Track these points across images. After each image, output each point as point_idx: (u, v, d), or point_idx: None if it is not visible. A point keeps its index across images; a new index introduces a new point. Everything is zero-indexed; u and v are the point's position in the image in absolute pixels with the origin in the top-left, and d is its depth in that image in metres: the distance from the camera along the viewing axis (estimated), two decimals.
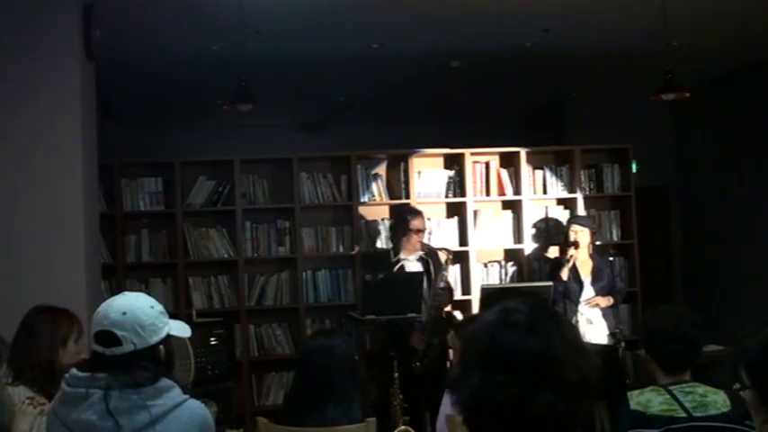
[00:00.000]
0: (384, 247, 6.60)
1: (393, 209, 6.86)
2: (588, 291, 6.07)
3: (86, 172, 4.80)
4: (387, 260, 6.07)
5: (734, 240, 8.53)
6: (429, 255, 6.03)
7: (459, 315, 6.80)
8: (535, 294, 5.77)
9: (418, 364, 5.65)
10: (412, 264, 5.99)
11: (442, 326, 5.75)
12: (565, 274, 6.01)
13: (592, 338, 6.01)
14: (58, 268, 4.61)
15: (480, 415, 1.41)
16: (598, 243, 6.47)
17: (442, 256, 6.01)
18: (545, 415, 1.37)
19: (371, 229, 6.85)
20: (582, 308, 6.03)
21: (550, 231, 6.94)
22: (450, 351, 6.28)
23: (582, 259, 6.14)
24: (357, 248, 6.71)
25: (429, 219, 6.83)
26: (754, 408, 1.76)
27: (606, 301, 6.03)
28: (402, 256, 6.00)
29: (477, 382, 1.40)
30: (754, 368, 1.72)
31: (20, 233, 4.61)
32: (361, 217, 6.82)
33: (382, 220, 6.88)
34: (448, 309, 6.28)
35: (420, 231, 6.02)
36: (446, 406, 3.50)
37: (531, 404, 1.37)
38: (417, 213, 6.13)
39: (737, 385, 1.83)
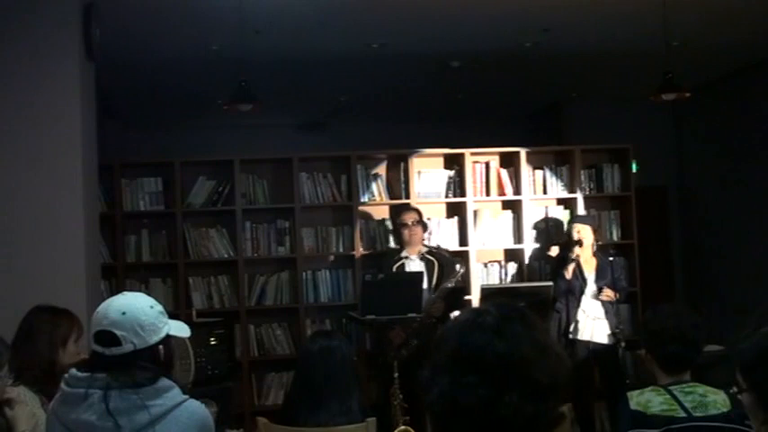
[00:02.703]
0: (391, 246, 6.59)
1: (392, 209, 6.87)
2: (591, 288, 6.08)
3: (86, 172, 4.80)
4: (390, 259, 6.08)
5: (734, 240, 8.53)
6: (435, 255, 5.99)
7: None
8: (535, 294, 5.77)
9: (388, 358, 5.56)
10: (414, 262, 5.96)
11: (426, 331, 5.66)
12: (569, 273, 6.02)
13: (593, 336, 6.02)
14: (58, 268, 4.60)
15: (449, 416, 1.42)
16: (599, 243, 6.47)
17: (458, 267, 5.87)
18: (513, 416, 1.38)
19: (371, 228, 6.85)
20: (584, 305, 6.04)
21: (551, 231, 6.95)
22: None
23: (585, 257, 6.15)
24: (360, 250, 6.70)
25: (429, 219, 6.84)
26: (752, 410, 1.76)
27: (612, 294, 6.03)
28: (404, 254, 6.00)
29: (447, 383, 1.41)
30: (750, 371, 1.72)
31: (20, 233, 4.60)
32: (364, 216, 6.82)
33: (383, 220, 6.88)
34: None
35: (410, 225, 5.98)
36: None
37: (498, 405, 1.38)
38: (409, 209, 6.16)
39: (734, 389, 1.83)
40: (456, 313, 6.50)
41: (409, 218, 6.02)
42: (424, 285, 5.78)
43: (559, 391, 1.42)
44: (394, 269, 5.94)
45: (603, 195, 7.15)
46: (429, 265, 5.91)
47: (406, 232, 5.99)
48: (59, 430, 2.25)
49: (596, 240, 6.26)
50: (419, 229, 6.04)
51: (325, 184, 6.81)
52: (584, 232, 6.12)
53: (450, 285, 5.79)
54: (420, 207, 6.73)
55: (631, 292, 6.74)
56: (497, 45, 6.90)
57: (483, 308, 1.49)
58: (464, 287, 6.24)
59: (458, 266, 5.88)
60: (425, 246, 6.07)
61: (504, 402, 1.37)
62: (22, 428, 2.85)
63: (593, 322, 6.03)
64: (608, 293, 6.01)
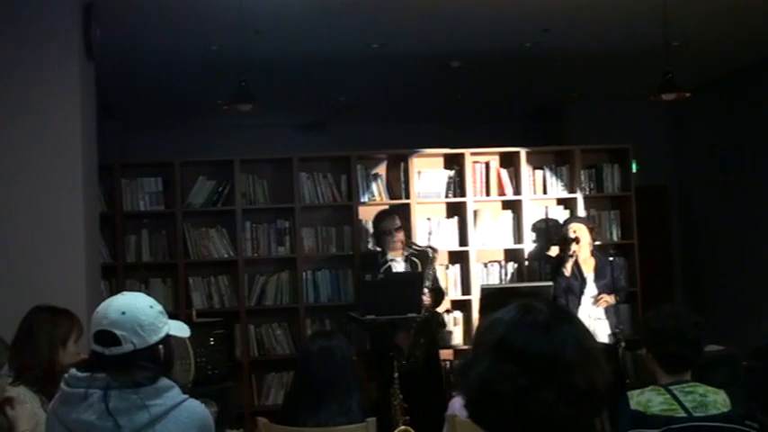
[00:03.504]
0: (370, 248, 6.60)
1: (394, 208, 6.89)
2: (591, 288, 6.08)
3: (86, 172, 4.80)
4: (376, 262, 6.08)
5: (734, 240, 8.53)
6: (418, 255, 6.01)
7: (457, 314, 6.82)
8: (535, 294, 5.77)
9: (404, 362, 5.59)
10: (399, 265, 5.99)
11: (428, 325, 5.71)
12: (567, 270, 6.02)
13: (595, 336, 6.01)
14: (58, 268, 4.60)
15: (482, 401, 1.42)
16: (598, 243, 6.48)
17: (430, 253, 6.02)
18: (544, 414, 1.37)
19: (371, 228, 6.84)
20: (584, 305, 6.04)
21: (551, 231, 6.95)
22: (441, 351, 6.29)
23: (584, 257, 6.15)
24: (361, 250, 6.71)
25: (429, 219, 6.84)
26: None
27: (612, 300, 6.03)
28: (389, 257, 6.01)
29: (486, 368, 1.42)
30: (751, 360, 1.77)
31: (20, 233, 4.60)
32: (364, 216, 6.82)
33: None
34: (441, 309, 6.30)
35: (391, 232, 6.00)
36: (452, 408, 3.49)
37: (532, 400, 1.37)
38: (387, 214, 6.16)
39: (745, 363, 1.88)
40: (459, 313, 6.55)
41: (392, 224, 6.03)
42: None
43: (596, 399, 1.41)
44: (381, 272, 5.94)
45: (603, 195, 7.15)
46: (413, 266, 5.95)
47: (389, 239, 6.01)
48: (59, 430, 2.25)
49: (593, 239, 6.27)
50: (401, 233, 6.07)
51: (325, 184, 6.80)
52: (580, 231, 6.13)
53: (430, 272, 5.87)
54: (419, 207, 6.75)
55: (631, 292, 6.74)
56: (497, 45, 6.90)
57: (534, 304, 1.48)
58: (442, 288, 6.27)
59: (430, 252, 5.97)
60: (409, 247, 6.09)
61: (539, 399, 1.37)
62: (23, 428, 2.85)
63: (593, 322, 6.03)
64: (606, 299, 6.00)
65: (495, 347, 1.43)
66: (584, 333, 1.47)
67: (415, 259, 5.98)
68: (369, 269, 6.02)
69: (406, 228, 6.24)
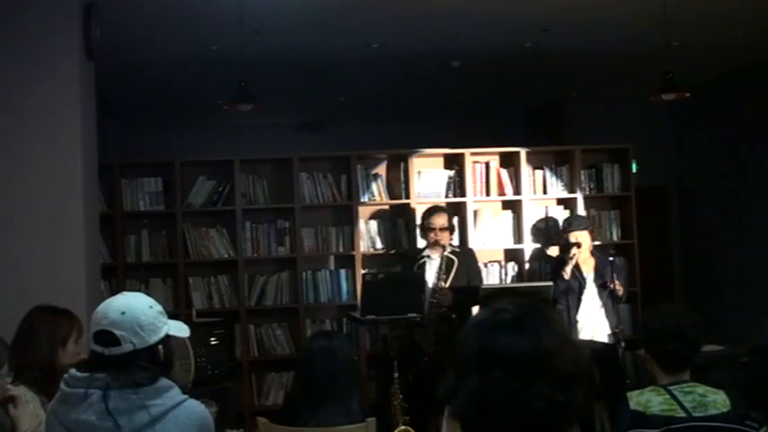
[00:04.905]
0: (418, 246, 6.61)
1: (394, 208, 6.90)
2: (590, 288, 6.07)
3: (86, 172, 4.80)
4: (413, 257, 6.12)
5: (734, 240, 8.53)
6: (457, 254, 5.98)
7: None
8: (535, 294, 5.76)
9: (426, 359, 5.62)
10: (434, 261, 5.98)
11: (444, 323, 5.74)
12: (567, 273, 6.01)
13: (593, 336, 6.02)
14: (58, 268, 4.60)
15: (481, 415, 1.42)
16: (598, 243, 6.47)
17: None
18: (544, 407, 1.39)
19: (371, 229, 6.85)
20: (584, 305, 6.04)
21: (551, 231, 6.94)
22: None
23: (583, 257, 6.14)
24: (361, 250, 6.71)
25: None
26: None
27: (620, 285, 5.99)
28: (426, 253, 6.01)
29: (475, 383, 1.42)
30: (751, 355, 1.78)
31: (20, 233, 4.60)
32: (364, 216, 6.82)
33: (383, 220, 6.88)
34: None
35: (436, 230, 5.97)
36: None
37: (529, 398, 1.39)
38: (440, 211, 6.12)
39: (745, 359, 1.90)
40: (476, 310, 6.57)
41: (438, 222, 6.01)
42: (431, 282, 5.86)
43: (583, 378, 1.45)
44: (415, 268, 5.96)
45: (603, 195, 7.15)
46: (449, 262, 5.92)
47: (431, 235, 5.99)
48: (59, 430, 2.25)
49: (593, 240, 6.26)
50: (446, 234, 6.03)
51: (325, 184, 6.81)
52: (581, 237, 6.12)
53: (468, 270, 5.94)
54: (419, 207, 6.74)
55: (631, 292, 6.73)
56: (497, 45, 6.90)
57: (499, 306, 1.49)
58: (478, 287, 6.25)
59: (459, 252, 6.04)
60: (451, 245, 6.07)
61: (533, 394, 1.39)
62: (24, 428, 2.85)
63: (593, 322, 6.03)
64: (618, 286, 5.95)
65: (477, 360, 1.43)
66: (555, 321, 1.49)
67: (452, 256, 5.94)
68: (405, 265, 6.12)
69: (452, 229, 6.20)
